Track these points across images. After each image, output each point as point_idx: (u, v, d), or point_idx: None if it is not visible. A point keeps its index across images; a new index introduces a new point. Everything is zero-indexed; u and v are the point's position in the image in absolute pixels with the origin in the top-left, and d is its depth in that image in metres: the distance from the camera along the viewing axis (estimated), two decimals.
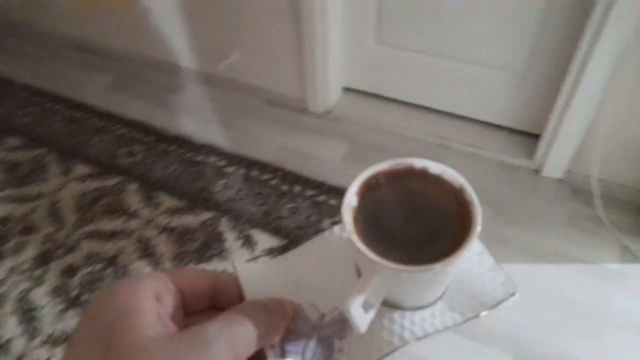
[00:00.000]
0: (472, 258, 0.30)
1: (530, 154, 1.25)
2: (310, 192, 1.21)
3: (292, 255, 0.33)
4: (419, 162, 0.29)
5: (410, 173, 0.29)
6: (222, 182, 1.25)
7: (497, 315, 0.30)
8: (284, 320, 0.28)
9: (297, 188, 1.22)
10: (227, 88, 1.56)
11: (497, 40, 1.18)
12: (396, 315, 0.29)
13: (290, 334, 0.29)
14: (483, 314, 0.28)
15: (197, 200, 1.20)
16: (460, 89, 1.31)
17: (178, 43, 1.54)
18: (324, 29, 1.27)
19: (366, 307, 0.25)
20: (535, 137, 1.25)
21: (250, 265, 0.32)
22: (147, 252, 1.09)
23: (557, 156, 1.18)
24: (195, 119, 1.46)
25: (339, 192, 1.20)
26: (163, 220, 1.16)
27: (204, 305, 0.28)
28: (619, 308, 0.98)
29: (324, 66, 1.35)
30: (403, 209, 0.28)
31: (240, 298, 0.29)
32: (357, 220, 0.27)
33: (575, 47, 1.02)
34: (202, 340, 0.23)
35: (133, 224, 1.15)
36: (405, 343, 0.27)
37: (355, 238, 0.26)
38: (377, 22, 1.29)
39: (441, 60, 1.28)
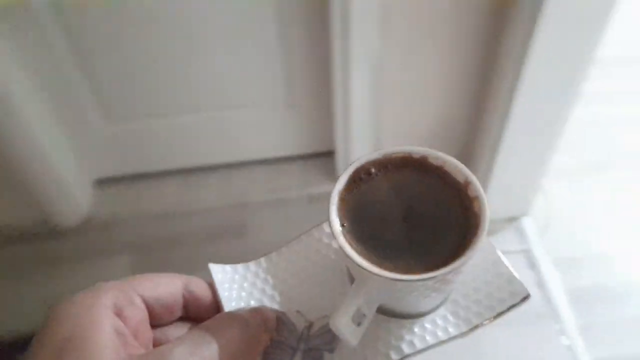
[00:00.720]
0: (477, 255, 0.25)
1: (332, 174, 1.14)
2: None
3: (276, 256, 0.30)
4: (417, 150, 0.26)
5: (407, 163, 0.26)
6: None
7: None
8: (265, 333, 0.26)
9: None
10: None
11: (248, 77, 1.00)
12: (392, 324, 0.26)
13: (274, 346, 0.26)
14: (491, 320, 0.26)
15: None
16: (234, 136, 1.12)
17: None
18: (29, 129, 0.92)
19: (358, 318, 0.23)
20: (332, 154, 1.13)
21: (227, 268, 0.29)
22: None
23: None
24: None
25: None
26: None
27: (176, 316, 0.26)
28: None
29: (52, 168, 1.00)
30: (399, 205, 0.25)
31: (216, 306, 0.27)
32: (345, 219, 0.24)
33: (331, 61, 0.90)
34: None
35: None
36: (403, 356, 0.25)
37: (343, 241, 0.23)
38: (98, 101, 0.99)
39: (196, 115, 1.06)
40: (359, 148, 1.05)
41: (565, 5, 0.69)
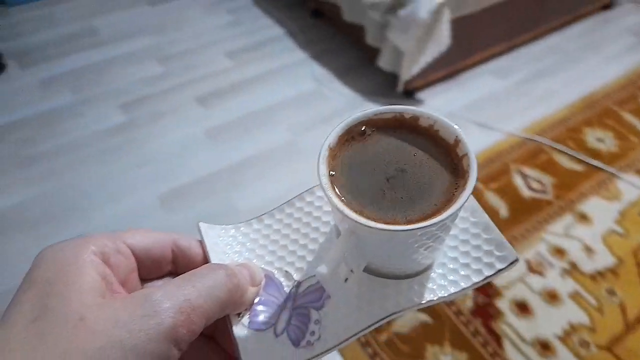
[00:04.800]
0: (466, 217, 0.28)
1: None
2: None
3: (267, 218, 0.30)
4: (408, 110, 0.26)
5: (398, 123, 0.27)
6: None
7: None
8: (252, 287, 0.26)
9: None
10: None
11: None
12: (379, 283, 0.26)
13: (261, 303, 0.27)
14: (480, 283, 0.25)
15: None
16: None
17: None
18: None
19: (344, 273, 0.23)
20: None
21: (217, 227, 0.29)
22: None
23: None
24: None
25: None
26: None
27: (164, 271, 0.26)
28: None
29: None
30: (389, 162, 0.25)
31: (205, 263, 0.27)
32: (334, 174, 0.25)
33: None
34: (148, 306, 0.20)
35: None
36: (388, 314, 0.25)
37: (331, 194, 0.23)
38: None
39: None
40: None
41: None
